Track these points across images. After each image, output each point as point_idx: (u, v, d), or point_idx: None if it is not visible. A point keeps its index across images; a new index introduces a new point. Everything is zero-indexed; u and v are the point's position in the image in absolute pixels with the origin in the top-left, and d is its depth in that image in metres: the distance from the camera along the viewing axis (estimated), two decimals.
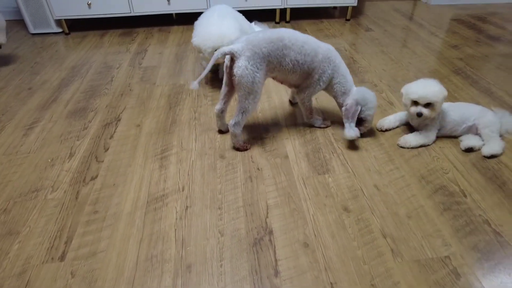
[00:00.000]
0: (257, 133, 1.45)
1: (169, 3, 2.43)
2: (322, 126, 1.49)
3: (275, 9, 2.64)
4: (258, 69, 1.20)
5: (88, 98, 1.71)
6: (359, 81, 1.84)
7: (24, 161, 1.32)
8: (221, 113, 1.39)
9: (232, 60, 1.21)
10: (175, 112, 1.60)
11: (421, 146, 1.37)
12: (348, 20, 2.72)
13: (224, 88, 1.33)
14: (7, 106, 1.66)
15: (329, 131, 1.47)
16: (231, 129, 1.31)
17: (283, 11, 2.68)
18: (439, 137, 1.41)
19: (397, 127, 1.49)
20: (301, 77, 1.33)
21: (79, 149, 1.38)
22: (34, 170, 1.28)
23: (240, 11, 1.85)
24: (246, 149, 1.37)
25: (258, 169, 1.27)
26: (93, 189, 1.19)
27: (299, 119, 1.55)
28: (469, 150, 1.34)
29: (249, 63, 1.18)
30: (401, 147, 1.37)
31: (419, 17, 2.81)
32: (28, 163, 1.31)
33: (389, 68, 1.98)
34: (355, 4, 2.61)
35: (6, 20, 2.50)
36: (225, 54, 1.20)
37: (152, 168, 1.28)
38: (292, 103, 1.67)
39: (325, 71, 1.32)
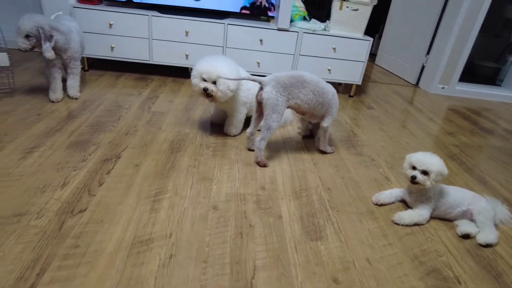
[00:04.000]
0: (253, 189, 1.45)
1: (187, 58, 2.59)
2: (332, 151, 1.87)
3: None
4: (281, 95, 1.55)
5: (93, 132, 1.74)
6: (357, 154, 1.89)
7: (15, 183, 1.30)
8: (251, 135, 1.73)
9: (261, 88, 1.57)
10: (175, 157, 1.61)
11: (415, 224, 1.36)
12: (352, 96, 2.88)
13: (255, 115, 1.68)
14: (12, 128, 1.67)
15: (326, 198, 1.47)
16: (257, 144, 1.61)
17: None
18: (433, 218, 1.41)
19: (393, 202, 1.50)
20: (324, 107, 1.70)
21: (73, 180, 1.36)
22: (23, 194, 1.25)
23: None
24: (265, 166, 1.64)
25: (250, 225, 1.25)
26: (79, 222, 1.15)
27: (296, 180, 1.55)
28: (466, 236, 1.33)
29: (274, 89, 1.54)
30: (396, 223, 1.36)
31: (418, 102, 2.98)
32: (18, 186, 1.28)
33: (387, 145, 2.04)
34: (359, 83, 2.79)
35: None
36: (254, 81, 1.59)
37: (143, 210, 1.25)
38: (304, 136, 2.02)
39: (336, 101, 1.75)
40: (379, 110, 2.64)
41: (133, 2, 2.53)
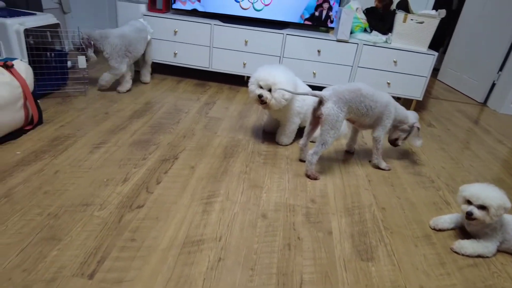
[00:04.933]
0: (303, 201, 1.43)
1: (244, 67, 2.65)
2: (386, 168, 1.78)
3: None
4: (341, 111, 1.53)
5: (153, 133, 1.84)
6: (415, 173, 1.79)
7: (84, 175, 1.41)
8: (304, 147, 1.72)
9: (321, 103, 1.54)
10: (228, 162, 1.65)
11: (478, 256, 1.25)
12: None
13: (308, 127, 1.67)
14: (83, 124, 1.83)
15: (379, 217, 1.40)
16: (309, 157, 1.58)
17: None
18: (501, 251, 1.28)
19: (452, 229, 1.39)
20: (372, 119, 1.67)
21: (133, 177, 1.45)
22: (90, 186, 1.35)
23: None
24: (316, 179, 1.61)
25: (298, 238, 1.23)
26: (136, 217, 1.22)
27: (348, 196, 1.51)
28: None
29: (335, 105, 1.51)
30: (455, 252, 1.26)
31: (485, 122, 2.75)
32: (86, 178, 1.40)
33: (448, 167, 1.91)
34: (420, 99, 2.65)
35: None
36: (315, 96, 1.56)
37: (196, 211, 1.29)
38: (348, 152, 1.94)
39: (390, 113, 1.69)
40: (440, 129, 2.48)
41: (198, 11, 2.66)
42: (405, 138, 1.84)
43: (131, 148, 1.66)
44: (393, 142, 1.86)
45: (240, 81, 2.95)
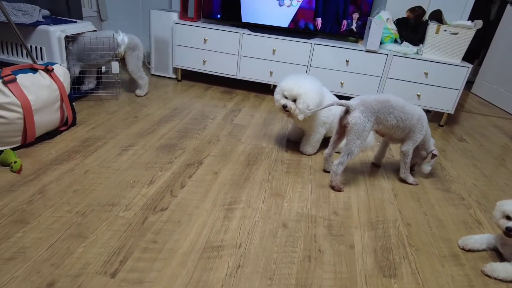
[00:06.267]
0: (325, 213, 1.41)
1: (271, 75, 2.67)
2: (414, 183, 1.73)
3: None
4: (368, 120, 1.49)
5: (180, 138, 1.88)
6: (444, 190, 1.72)
7: (111, 176, 1.46)
8: (329, 157, 1.70)
9: (347, 112, 1.52)
10: (251, 170, 1.65)
11: None
12: (442, 126, 2.65)
13: (334, 136, 1.64)
14: (114, 127, 1.90)
15: (404, 233, 1.36)
16: (334, 168, 1.56)
17: None
18: None
19: (483, 250, 1.32)
20: (404, 132, 1.62)
21: (159, 179, 1.48)
22: (116, 187, 1.40)
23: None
24: (340, 190, 1.58)
25: (319, 250, 1.21)
26: (159, 220, 1.25)
27: (372, 210, 1.47)
28: None
29: (362, 115, 1.48)
30: (487, 275, 1.20)
31: None
32: (114, 179, 1.45)
33: (480, 184, 1.82)
34: (452, 112, 2.55)
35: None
36: (341, 105, 1.53)
37: (217, 217, 1.30)
38: (374, 164, 1.89)
39: (422, 126, 1.63)
40: (473, 144, 2.38)
41: (228, 20, 2.71)
42: (419, 164, 1.81)
43: (158, 152, 1.71)
44: (412, 168, 1.82)
45: (267, 89, 2.97)
